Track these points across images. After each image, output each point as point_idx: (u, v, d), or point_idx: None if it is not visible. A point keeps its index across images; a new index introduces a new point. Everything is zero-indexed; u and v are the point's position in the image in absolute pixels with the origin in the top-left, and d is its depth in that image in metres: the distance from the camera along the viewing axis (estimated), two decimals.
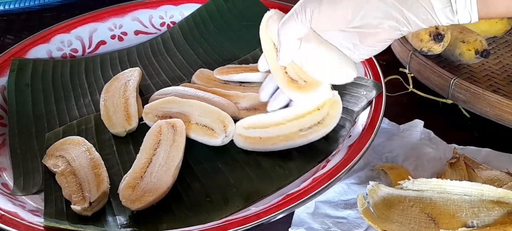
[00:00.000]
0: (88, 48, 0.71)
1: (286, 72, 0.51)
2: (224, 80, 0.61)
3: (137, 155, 0.49)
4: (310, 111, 0.51)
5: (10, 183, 0.50)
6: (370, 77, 0.55)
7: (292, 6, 0.73)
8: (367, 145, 0.46)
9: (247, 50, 0.67)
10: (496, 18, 0.72)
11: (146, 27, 0.74)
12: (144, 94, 0.61)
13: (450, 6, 0.40)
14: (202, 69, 0.63)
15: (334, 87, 0.51)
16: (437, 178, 0.45)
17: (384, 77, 0.55)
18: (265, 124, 0.52)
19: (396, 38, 0.45)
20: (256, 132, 0.51)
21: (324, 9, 0.45)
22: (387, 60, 0.70)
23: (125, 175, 0.47)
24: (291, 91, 0.51)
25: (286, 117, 0.51)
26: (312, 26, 0.46)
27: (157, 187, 0.45)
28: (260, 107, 0.55)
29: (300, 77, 0.51)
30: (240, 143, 0.51)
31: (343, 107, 0.53)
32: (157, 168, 0.47)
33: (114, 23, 0.73)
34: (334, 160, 0.46)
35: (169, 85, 0.61)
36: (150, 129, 0.51)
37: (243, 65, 0.63)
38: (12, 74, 0.62)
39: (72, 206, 0.45)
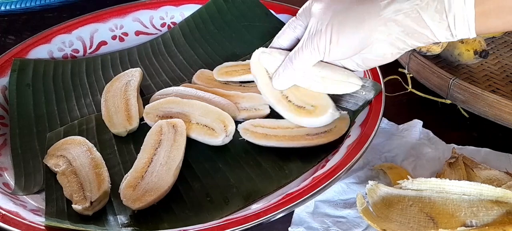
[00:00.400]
0: (89, 49, 0.71)
1: (289, 100, 0.52)
2: (224, 81, 0.61)
3: (138, 154, 0.49)
4: None
5: (11, 183, 0.51)
6: (369, 78, 0.55)
7: (291, 7, 0.73)
8: (366, 145, 0.47)
9: (247, 50, 0.68)
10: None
11: (147, 27, 0.74)
12: (145, 94, 0.61)
13: (450, 32, 0.42)
14: (202, 69, 0.63)
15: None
16: (436, 177, 0.45)
17: (383, 78, 0.55)
18: (273, 125, 0.52)
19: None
20: (263, 130, 0.52)
21: (333, 47, 0.47)
22: None
23: (126, 174, 0.47)
24: (301, 118, 0.51)
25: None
26: (324, 59, 0.49)
27: (158, 186, 0.46)
28: (261, 107, 0.55)
29: (307, 103, 0.51)
30: (245, 135, 0.51)
31: (343, 108, 0.54)
32: (158, 167, 0.47)
33: (115, 24, 0.73)
34: (334, 159, 0.47)
35: (170, 86, 0.62)
36: (151, 128, 0.52)
37: (241, 62, 0.63)
38: (13, 75, 0.62)
39: (73, 206, 0.45)
